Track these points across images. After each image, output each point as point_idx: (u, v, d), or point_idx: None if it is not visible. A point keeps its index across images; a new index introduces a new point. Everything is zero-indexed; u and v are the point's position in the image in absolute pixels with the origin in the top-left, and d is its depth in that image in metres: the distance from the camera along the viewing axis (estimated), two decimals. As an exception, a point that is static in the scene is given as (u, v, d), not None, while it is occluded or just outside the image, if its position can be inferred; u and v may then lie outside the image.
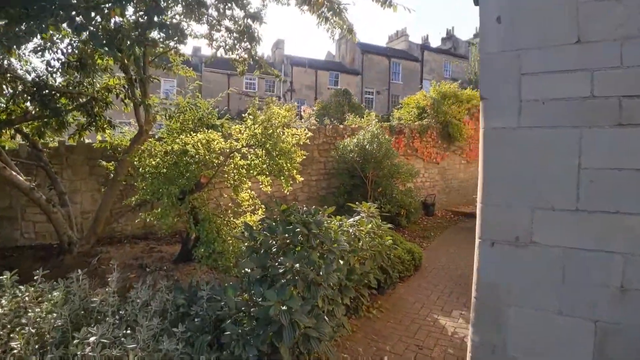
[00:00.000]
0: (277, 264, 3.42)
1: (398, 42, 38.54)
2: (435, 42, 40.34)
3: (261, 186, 5.77)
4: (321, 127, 10.61)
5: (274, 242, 3.64)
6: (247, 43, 5.59)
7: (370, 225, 4.90)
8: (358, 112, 18.14)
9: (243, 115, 5.73)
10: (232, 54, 5.85)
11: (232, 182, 5.48)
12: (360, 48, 33.71)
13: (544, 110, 1.95)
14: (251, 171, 5.42)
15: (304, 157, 5.75)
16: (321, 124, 12.28)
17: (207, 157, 5.17)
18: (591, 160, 1.88)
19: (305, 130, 5.70)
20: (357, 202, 5.54)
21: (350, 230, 4.60)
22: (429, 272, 6.63)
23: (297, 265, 3.31)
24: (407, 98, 14.65)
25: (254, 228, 4.00)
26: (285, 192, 5.42)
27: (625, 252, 1.83)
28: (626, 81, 1.81)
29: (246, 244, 3.77)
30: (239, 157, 5.56)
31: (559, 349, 1.95)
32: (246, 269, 3.41)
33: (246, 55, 5.91)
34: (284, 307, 2.87)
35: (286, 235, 3.59)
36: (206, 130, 5.52)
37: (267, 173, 5.39)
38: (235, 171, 5.51)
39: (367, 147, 9.21)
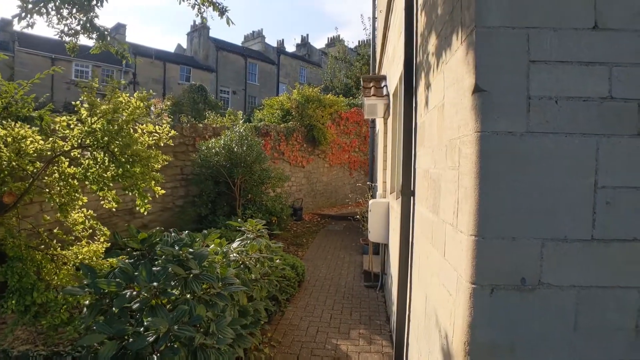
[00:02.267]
0: (141, 329, 2.26)
1: (254, 42, 37.89)
2: (290, 48, 41.29)
3: (102, 202, 4.20)
4: (177, 126, 9.06)
5: (134, 294, 2.43)
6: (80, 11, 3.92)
7: (259, 247, 4.00)
8: (216, 110, 16.73)
9: (73, 103, 4.04)
10: (56, 21, 4.04)
11: (57, 199, 3.79)
12: (214, 44, 31.78)
13: (558, 111, 1.47)
14: (87, 183, 3.85)
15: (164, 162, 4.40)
16: (176, 121, 10.62)
17: (14, 164, 3.44)
18: (608, 177, 1.47)
19: (166, 127, 4.39)
20: (225, 214, 4.53)
21: (238, 257, 3.61)
22: (312, 287, 6.09)
23: (176, 327, 2.22)
24: (269, 99, 14.09)
25: (98, 271, 2.68)
26: (143, 211, 4.02)
27: None
28: None
29: (87, 300, 2.44)
30: (66, 163, 3.90)
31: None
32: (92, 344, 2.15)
33: (78, 27, 4.18)
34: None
35: (153, 283, 2.43)
36: (14, 124, 3.68)
37: (111, 185, 3.91)
38: (62, 183, 3.83)
39: (235, 149, 8.19)
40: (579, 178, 1.48)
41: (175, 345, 2.20)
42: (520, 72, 1.49)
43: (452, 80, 1.80)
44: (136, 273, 2.53)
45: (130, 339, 2.19)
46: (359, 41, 23.92)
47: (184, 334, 2.20)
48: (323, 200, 13.65)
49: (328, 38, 44.32)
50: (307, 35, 45.55)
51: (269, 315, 4.49)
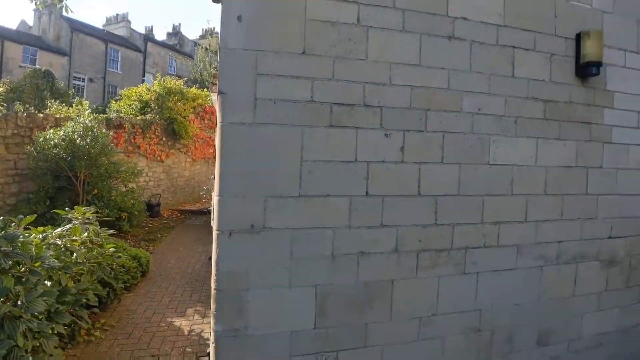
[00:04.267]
0: None
1: (118, 26, 34.10)
2: (160, 36, 38.41)
3: None
4: (10, 115, 8.07)
5: None
6: None
7: (86, 234, 4.08)
8: (65, 99, 14.92)
9: None
10: None
11: None
12: (68, 24, 27.62)
13: (276, 109, 2.15)
14: None
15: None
16: (12, 110, 9.32)
17: None
18: (310, 154, 2.21)
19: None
20: (66, 209, 4.47)
21: (60, 242, 3.67)
22: (158, 276, 6.24)
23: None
24: (127, 89, 13.27)
25: None
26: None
27: (334, 226, 2.26)
28: (336, 91, 2.24)
29: None
30: None
31: (290, 317, 2.22)
32: None
33: None
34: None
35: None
36: None
37: None
38: None
39: (78, 141, 7.70)
40: (290, 154, 2.19)
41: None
42: (250, 81, 2.13)
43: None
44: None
45: None
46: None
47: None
48: (185, 195, 13.48)
49: (202, 29, 42.56)
50: (180, 24, 42.57)
51: (104, 303, 4.57)
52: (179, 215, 11.84)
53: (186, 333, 4.25)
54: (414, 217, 2.40)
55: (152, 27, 38.42)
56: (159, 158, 11.95)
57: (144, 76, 28.61)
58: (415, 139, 2.38)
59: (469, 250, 2.53)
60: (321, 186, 2.25)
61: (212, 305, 2.17)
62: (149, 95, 12.21)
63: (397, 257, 2.38)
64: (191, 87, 13.75)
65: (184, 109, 12.61)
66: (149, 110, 11.97)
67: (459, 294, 2.55)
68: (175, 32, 38.93)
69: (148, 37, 34.59)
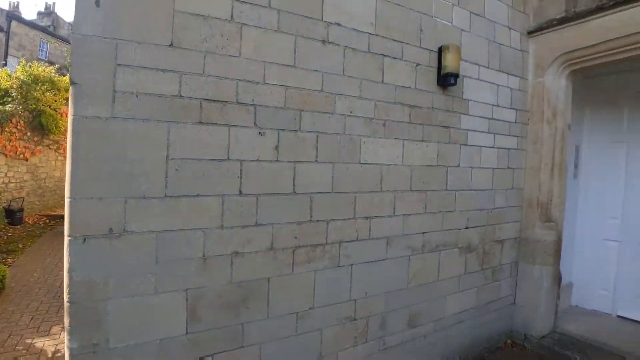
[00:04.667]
0: None
1: (-29, -1, 28.61)
2: (30, 15, 33.13)
3: None
4: None
5: None
6: None
7: None
8: None
9: None
10: None
11: None
12: None
13: (138, 103, 2.01)
14: None
15: None
16: None
17: None
18: (177, 152, 2.12)
19: None
20: None
21: None
22: (17, 293, 5.40)
23: None
24: (-18, 74, 11.21)
25: None
26: None
27: (205, 227, 2.19)
28: (207, 87, 2.17)
29: None
30: None
31: (158, 325, 2.10)
32: None
33: None
34: None
35: None
36: None
37: None
38: None
39: None
40: (154, 152, 2.06)
41: None
42: (108, 71, 1.95)
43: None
44: None
45: None
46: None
47: None
48: (55, 198, 11.65)
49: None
50: (54, 3, 37.49)
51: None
52: (47, 221, 10.30)
53: (50, 355, 3.76)
54: (290, 215, 2.45)
55: (18, 3, 32.89)
56: (22, 156, 10.12)
57: (5, 59, 24.48)
58: (289, 138, 2.43)
59: (342, 244, 2.67)
60: (190, 186, 2.16)
61: (66, 321, 1.95)
62: (9, 83, 10.37)
63: (273, 254, 2.40)
64: (65, 75, 12.04)
65: (55, 100, 10.91)
66: (10, 100, 10.15)
67: (335, 286, 2.68)
68: (49, 12, 33.96)
69: (12, 14, 29.70)
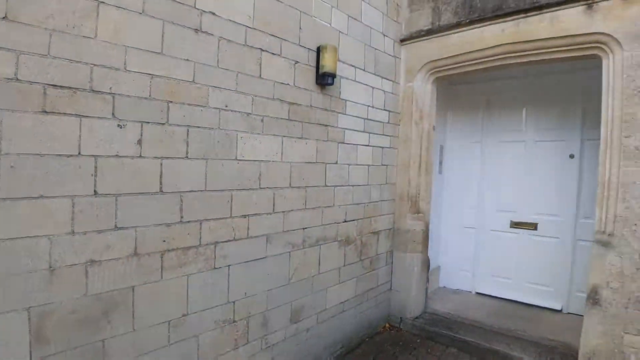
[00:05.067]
0: None
1: None
2: None
3: None
4: None
5: None
6: None
7: None
8: None
9: None
10: None
11: None
12: None
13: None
14: None
15: None
16: None
17: None
18: (13, 146, 1.78)
19: None
20: None
21: None
22: None
23: None
24: None
25: None
26: None
27: (51, 234, 1.89)
28: (52, 71, 1.86)
29: None
30: None
31: (-17, 354, 1.73)
32: None
33: None
34: None
35: None
36: None
37: None
38: None
39: None
40: (-23, 146, 1.70)
41: None
42: None
43: None
44: None
45: None
46: None
47: None
48: None
49: None
50: None
51: None
52: None
53: None
54: (156, 216, 2.25)
55: None
56: None
57: None
58: (155, 132, 2.23)
59: (218, 244, 2.57)
60: (31, 186, 1.84)
61: None
62: None
63: (137, 260, 2.19)
64: None
65: None
66: None
67: (211, 290, 2.56)
68: None
69: None
